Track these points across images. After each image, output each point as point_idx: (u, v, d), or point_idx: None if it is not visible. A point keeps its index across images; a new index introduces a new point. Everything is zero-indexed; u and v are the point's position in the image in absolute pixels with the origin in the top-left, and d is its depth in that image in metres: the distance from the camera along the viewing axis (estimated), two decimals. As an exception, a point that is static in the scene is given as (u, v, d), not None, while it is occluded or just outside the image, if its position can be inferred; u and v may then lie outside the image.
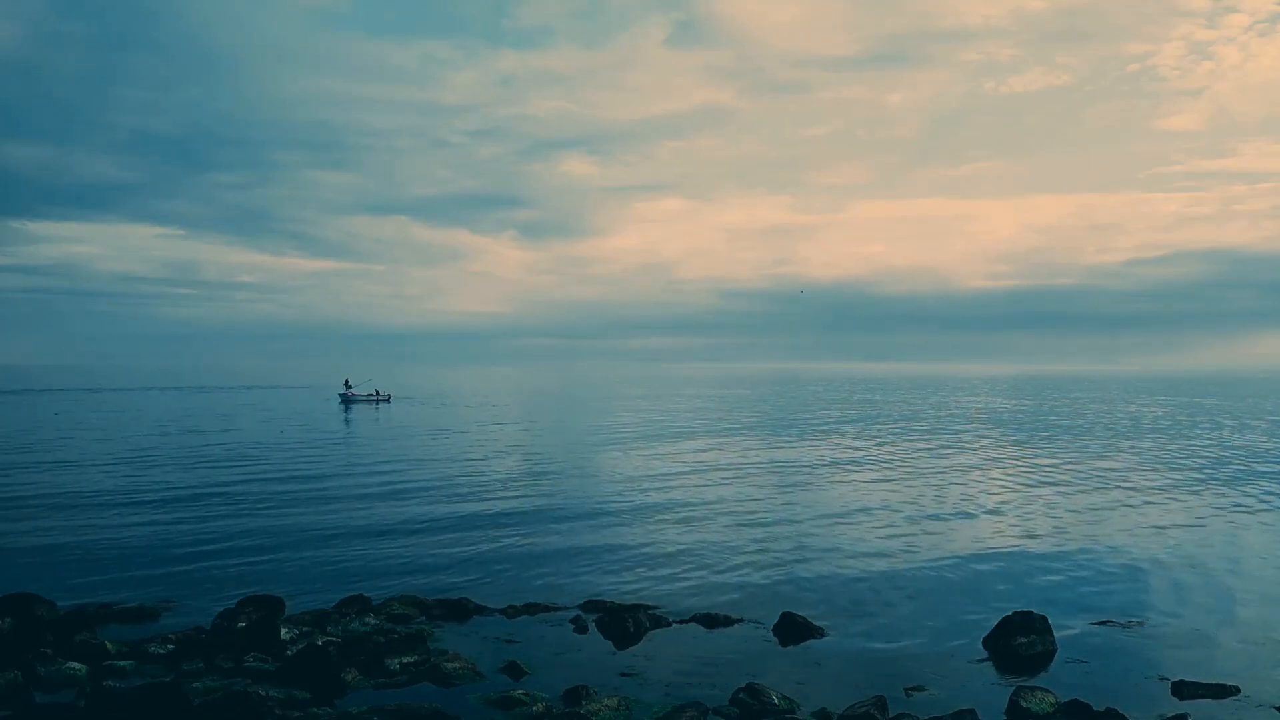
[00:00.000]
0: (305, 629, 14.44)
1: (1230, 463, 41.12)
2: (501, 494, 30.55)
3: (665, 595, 17.51)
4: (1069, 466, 39.33)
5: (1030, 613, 14.52)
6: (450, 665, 12.91)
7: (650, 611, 15.95)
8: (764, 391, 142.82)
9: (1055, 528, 24.74)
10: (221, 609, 15.16)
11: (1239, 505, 28.86)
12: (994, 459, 42.58)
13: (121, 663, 12.82)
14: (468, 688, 12.33)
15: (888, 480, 34.64)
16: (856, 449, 47.48)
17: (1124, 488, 32.65)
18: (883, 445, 49.62)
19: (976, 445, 49.78)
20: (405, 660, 13.02)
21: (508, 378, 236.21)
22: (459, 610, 16.04)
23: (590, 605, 16.59)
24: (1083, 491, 31.62)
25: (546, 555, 21.02)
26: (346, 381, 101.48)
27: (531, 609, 16.36)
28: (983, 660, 13.84)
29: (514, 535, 23.39)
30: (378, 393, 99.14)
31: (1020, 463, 40.96)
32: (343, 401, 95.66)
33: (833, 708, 11.52)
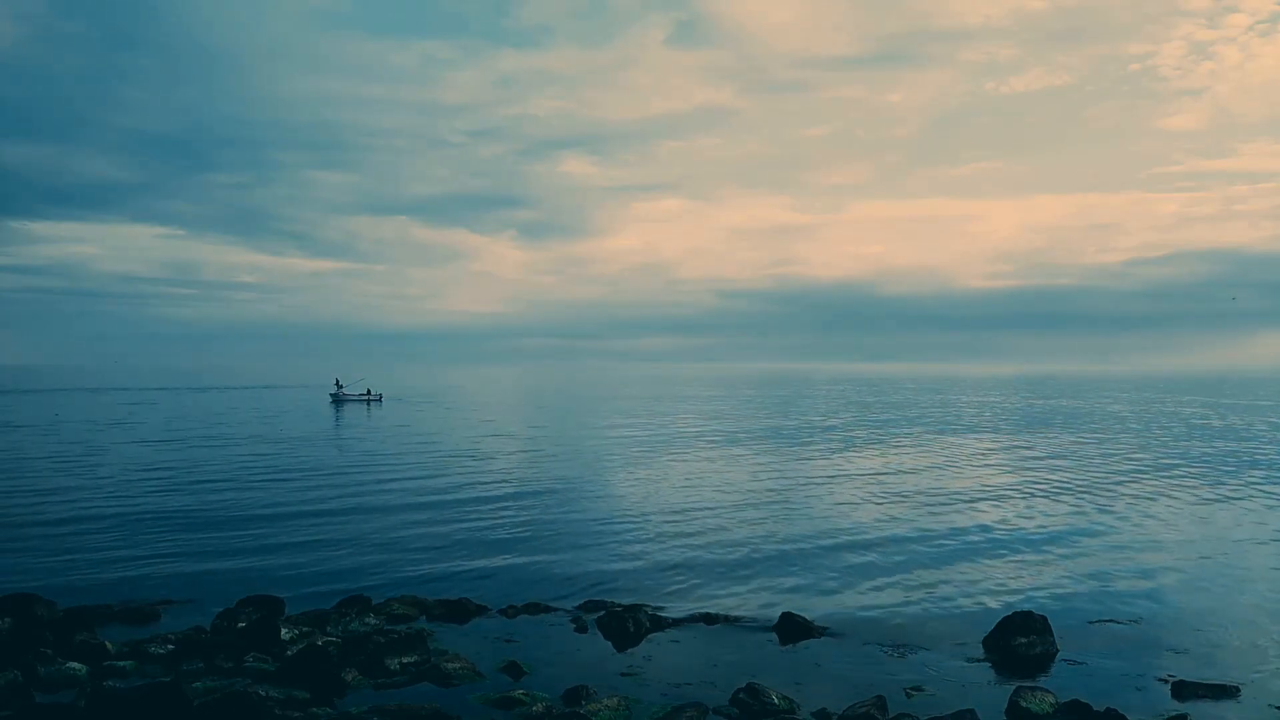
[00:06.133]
0: (305, 629, 14.44)
1: (1240, 462, 41.10)
2: (501, 494, 30.54)
3: (665, 595, 17.52)
4: (1070, 465, 39.33)
5: (1030, 613, 14.52)
6: (450, 665, 12.91)
7: (650, 611, 15.93)
8: (764, 392, 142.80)
9: (1056, 527, 24.73)
10: (221, 609, 15.19)
11: (1241, 505, 28.86)
12: (994, 459, 42.58)
13: (121, 663, 12.81)
14: (468, 688, 12.33)
15: (889, 480, 34.62)
16: (857, 449, 47.48)
17: (1126, 487, 32.63)
18: (884, 445, 49.62)
19: (975, 445, 49.78)
20: (405, 660, 13.01)
21: (507, 378, 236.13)
22: (459, 610, 16.05)
23: (590, 605, 16.59)
24: (1084, 490, 31.61)
25: (546, 555, 21.02)
26: (337, 381, 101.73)
27: (531, 609, 16.36)
28: (983, 660, 13.85)
29: (514, 535, 23.40)
30: (369, 392, 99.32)
31: (1021, 462, 40.96)
32: (334, 401, 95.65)
33: (833, 708, 11.52)
